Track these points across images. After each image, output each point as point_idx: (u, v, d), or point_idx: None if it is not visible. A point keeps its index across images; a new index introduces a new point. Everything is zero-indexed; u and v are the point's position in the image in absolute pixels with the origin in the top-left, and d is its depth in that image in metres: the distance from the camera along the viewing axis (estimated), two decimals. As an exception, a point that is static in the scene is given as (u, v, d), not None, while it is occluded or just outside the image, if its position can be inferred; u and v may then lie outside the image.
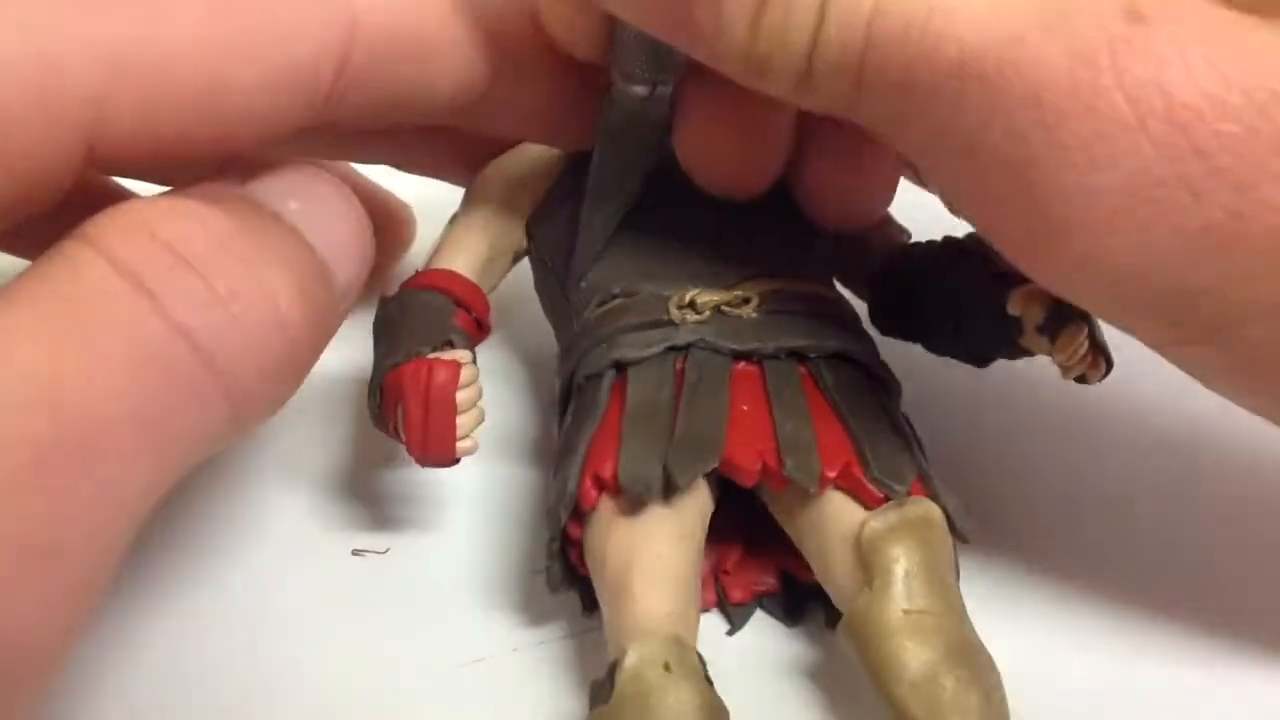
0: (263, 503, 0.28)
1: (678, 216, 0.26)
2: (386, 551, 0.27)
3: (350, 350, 0.31)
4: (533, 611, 0.25)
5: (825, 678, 0.24)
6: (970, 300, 0.26)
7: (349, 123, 0.22)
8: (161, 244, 0.17)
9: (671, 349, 0.24)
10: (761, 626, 0.25)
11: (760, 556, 0.25)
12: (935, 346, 0.28)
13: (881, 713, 0.21)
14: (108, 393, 0.16)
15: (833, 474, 0.22)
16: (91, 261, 0.17)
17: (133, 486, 0.17)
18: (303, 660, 0.24)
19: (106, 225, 0.17)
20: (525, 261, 0.29)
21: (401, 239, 0.34)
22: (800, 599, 0.25)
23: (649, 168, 0.26)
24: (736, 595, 0.25)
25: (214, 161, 0.20)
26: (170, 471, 0.17)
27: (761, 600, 0.25)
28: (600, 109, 0.25)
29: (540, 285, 0.28)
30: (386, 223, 0.33)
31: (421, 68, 0.22)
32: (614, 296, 0.25)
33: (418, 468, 0.24)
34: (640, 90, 0.24)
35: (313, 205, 0.20)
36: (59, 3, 0.18)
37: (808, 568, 0.24)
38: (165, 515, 0.27)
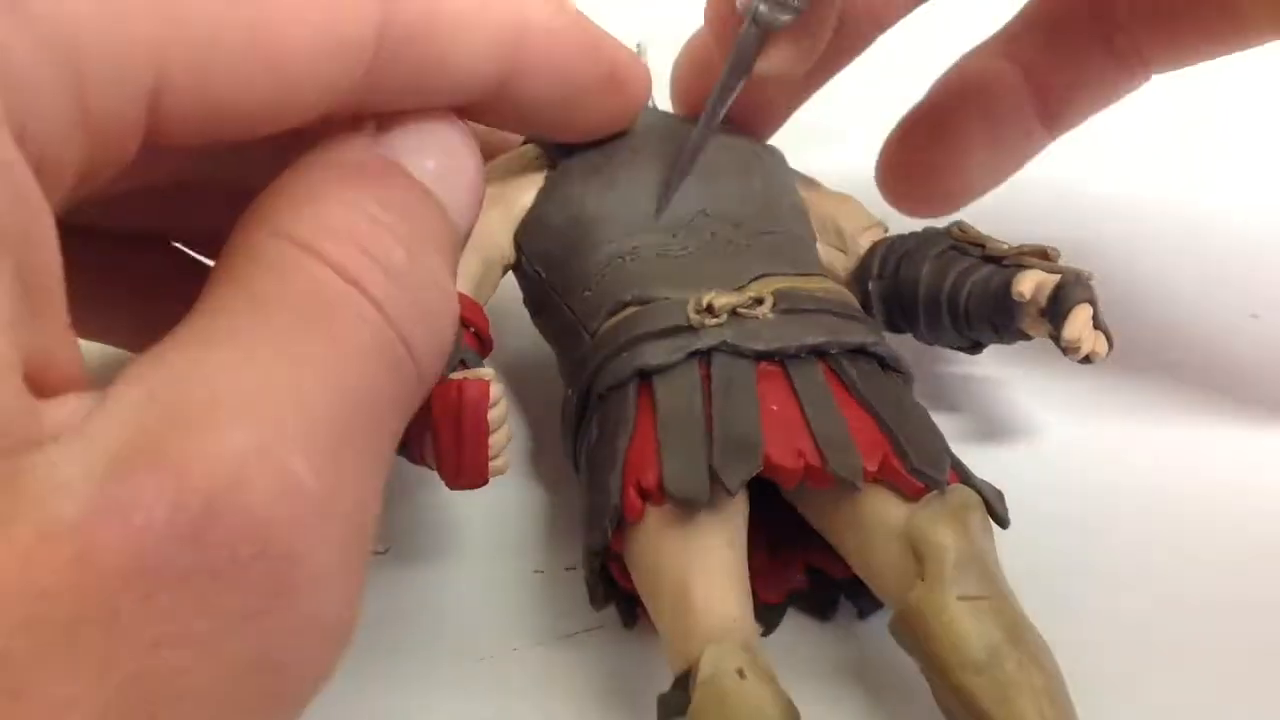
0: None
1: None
2: (386, 551, 0.26)
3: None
4: (532, 612, 0.25)
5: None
6: (968, 287, 0.26)
7: (384, 104, 0.21)
8: (367, 254, 0.18)
9: (694, 354, 0.24)
10: (795, 624, 0.25)
11: (785, 555, 0.25)
12: (926, 336, 0.28)
13: (922, 698, 0.21)
14: (347, 396, 0.17)
15: (872, 467, 0.22)
16: (317, 270, 0.18)
17: (377, 479, 0.18)
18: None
19: (317, 230, 0.18)
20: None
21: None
22: (831, 593, 0.25)
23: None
24: (768, 596, 0.25)
25: (268, 141, 0.20)
26: (389, 461, 0.18)
27: (792, 598, 0.25)
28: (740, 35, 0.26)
29: (531, 297, 0.28)
30: None
31: (451, 46, 0.22)
32: (625, 305, 0.25)
33: (416, 470, 0.23)
34: (786, 18, 0.26)
35: (446, 162, 0.21)
36: None
37: (836, 561, 0.24)
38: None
